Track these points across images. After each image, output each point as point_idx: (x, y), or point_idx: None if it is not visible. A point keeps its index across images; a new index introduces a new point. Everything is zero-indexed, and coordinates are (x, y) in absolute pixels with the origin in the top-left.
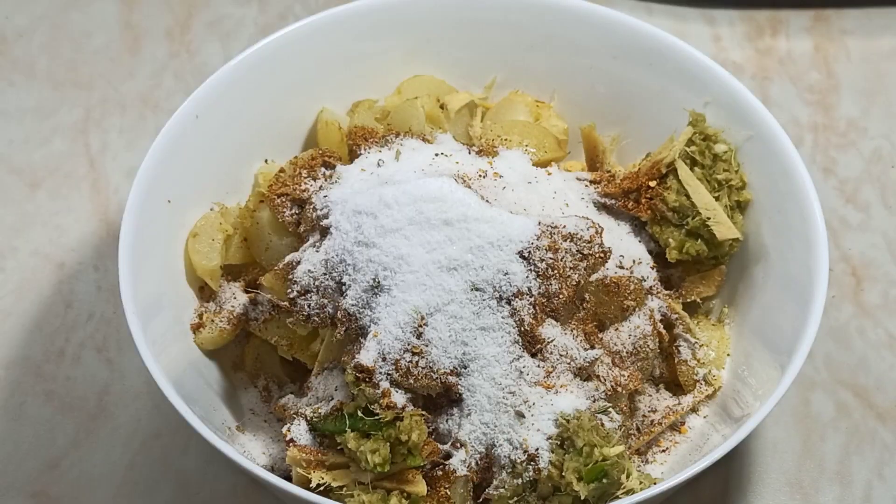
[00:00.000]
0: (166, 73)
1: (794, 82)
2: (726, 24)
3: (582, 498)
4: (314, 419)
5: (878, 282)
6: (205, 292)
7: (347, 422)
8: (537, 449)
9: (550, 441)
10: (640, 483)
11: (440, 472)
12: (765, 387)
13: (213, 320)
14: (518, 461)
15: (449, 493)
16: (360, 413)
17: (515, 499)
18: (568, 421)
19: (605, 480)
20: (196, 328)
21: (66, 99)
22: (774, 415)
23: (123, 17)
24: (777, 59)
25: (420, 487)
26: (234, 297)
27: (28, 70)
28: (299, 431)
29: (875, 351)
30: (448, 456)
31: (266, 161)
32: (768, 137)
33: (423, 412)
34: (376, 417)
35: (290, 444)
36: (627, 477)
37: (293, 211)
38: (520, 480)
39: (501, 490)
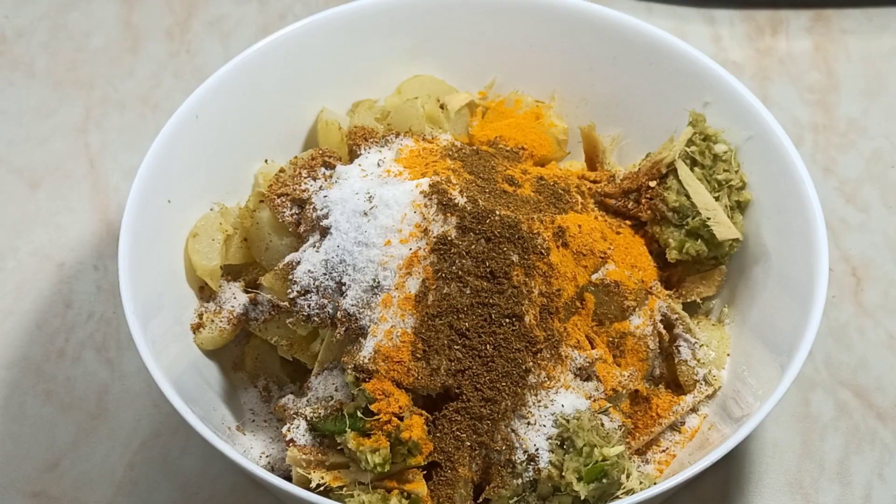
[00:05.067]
0: (166, 73)
1: (794, 82)
2: (726, 24)
3: (582, 498)
4: (314, 419)
5: (878, 282)
6: (205, 292)
7: (347, 422)
8: (537, 449)
9: (550, 441)
10: (641, 483)
11: (440, 472)
12: (765, 387)
13: (213, 320)
14: (518, 461)
15: (449, 492)
16: (359, 413)
17: (515, 499)
18: (568, 421)
19: (605, 480)
20: (196, 328)
21: (66, 99)
22: (774, 415)
23: (123, 17)
24: (777, 59)
25: (420, 487)
26: (234, 297)
27: (28, 70)
28: (299, 431)
29: (875, 351)
30: (448, 456)
31: (266, 161)
32: (768, 137)
33: (423, 412)
34: (376, 417)
35: (290, 444)
36: (627, 477)
37: (293, 211)
38: (520, 480)
39: (501, 490)
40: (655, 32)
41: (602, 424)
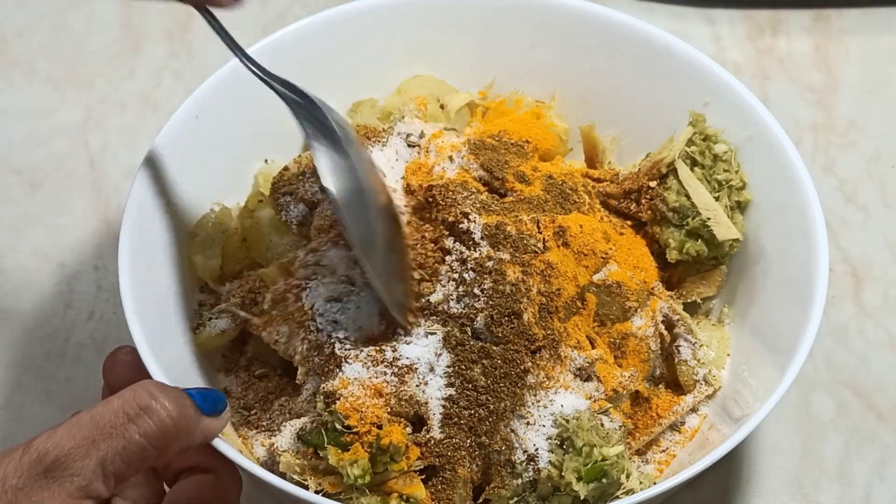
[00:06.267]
0: (166, 73)
1: (794, 82)
2: (726, 24)
3: (581, 498)
4: (300, 431)
5: (878, 282)
6: (205, 292)
7: (325, 437)
8: (537, 449)
9: (550, 441)
10: (640, 483)
11: (439, 474)
12: (765, 387)
13: (212, 320)
14: (518, 461)
15: (449, 493)
16: (338, 427)
17: (515, 499)
18: (567, 421)
19: (604, 480)
20: (196, 328)
21: (66, 99)
22: (774, 415)
23: (123, 17)
24: (777, 59)
25: (419, 490)
26: (234, 297)
27: (28, 70)
28: (285, 440)
29: (875, 351)
30: (447, 458)
31: (266, 161)
32: (768, 137)
33: (402, 419)
34: (355, 431)
35: (281, 453)
36: (627, 477)
37: (298, 209)
38: (520, 481)
39: (501, 490)
40: (655, 32)
41: (602, 425)
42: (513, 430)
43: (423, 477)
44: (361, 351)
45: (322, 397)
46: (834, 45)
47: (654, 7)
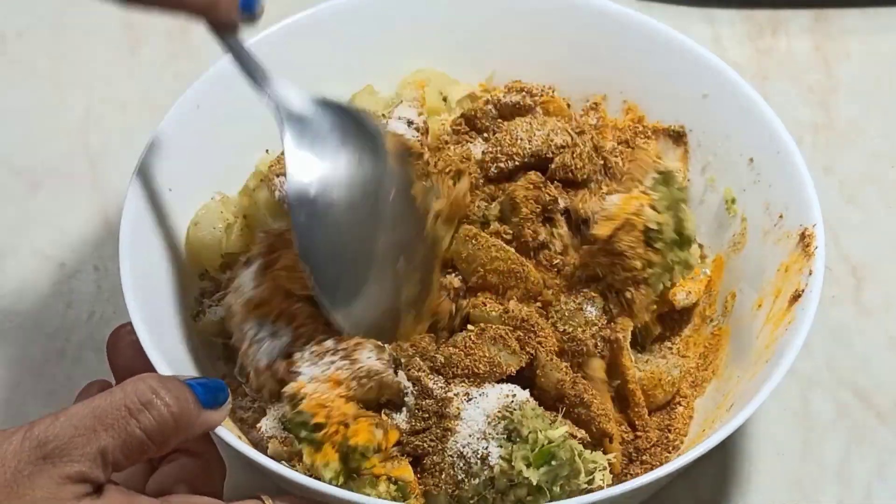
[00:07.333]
0: (166, 73)
1: (794, 82)
2: (726, 24)
3: (535, 483)
4: (282, 418)
5: (878, 282)
6: (205, 280)
7: (297, 439)
8: (487, 447)
9: (498, 437)
10: (603, 467)
11: (427, 458)
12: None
13: (211, 306)
14: (472, 462)
15: (436, 478)
16: (309, 425)
17: (476, 498)
18: (512, 413)
19: (553, 463)
20: (196, 315)
21: (66, 99)
22: (774, 415)
23: (123, 17)
24: (777, 59)
25: (407, 472)
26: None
27: (28, 70)
28: (269, 424)
29: (875, 351)
30: (433, 447)
31: (266, 151)
32: (768, 135)
33: (373, 414)
34: (324, 431)
35: (270, 439)
36: (579, 456)
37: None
38: (476, 480)
39: (458, 492)
40: (654, 24)
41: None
42: (462, 434)
43: (410, 460)
44: (304, 351)
45: (287, 400)
46: (834, 45)
47: (654, 7)
